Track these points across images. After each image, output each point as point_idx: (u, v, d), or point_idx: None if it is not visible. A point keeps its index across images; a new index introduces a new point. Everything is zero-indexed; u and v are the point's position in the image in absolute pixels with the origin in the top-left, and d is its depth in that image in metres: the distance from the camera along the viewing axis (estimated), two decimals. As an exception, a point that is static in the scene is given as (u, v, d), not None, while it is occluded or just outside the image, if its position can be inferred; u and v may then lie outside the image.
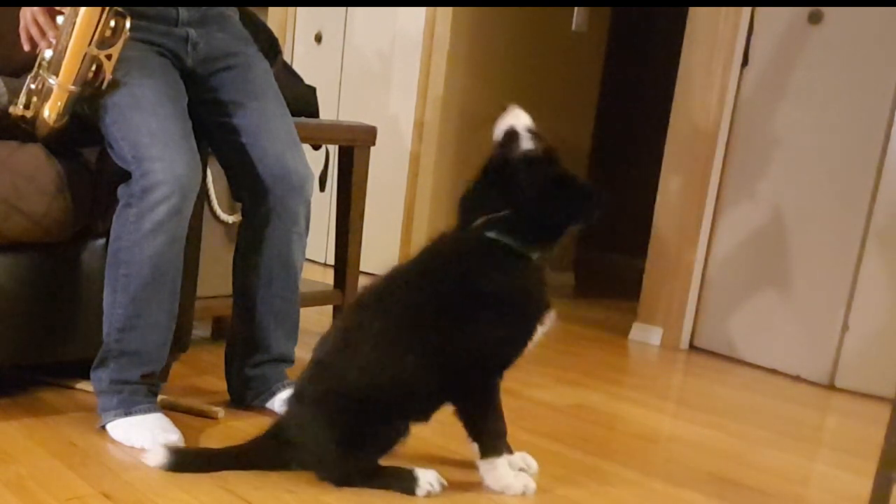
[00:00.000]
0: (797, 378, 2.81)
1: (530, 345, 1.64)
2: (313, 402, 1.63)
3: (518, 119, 1.65)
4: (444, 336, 1.58)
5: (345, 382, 1.60)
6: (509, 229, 1.59)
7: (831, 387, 2.74)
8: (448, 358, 1.58)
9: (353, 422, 1.58)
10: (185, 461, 1.65)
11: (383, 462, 1.64)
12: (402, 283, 1.66)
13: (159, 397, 1.88)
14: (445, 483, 1.64)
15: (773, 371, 2.88)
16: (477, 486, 1.68)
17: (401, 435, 1.62)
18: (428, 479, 1.62)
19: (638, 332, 3.21)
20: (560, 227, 1.62)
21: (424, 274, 1.65)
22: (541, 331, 1.64)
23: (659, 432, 2.24)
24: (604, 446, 2.04)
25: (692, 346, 3.13)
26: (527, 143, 1.63)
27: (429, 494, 1.60)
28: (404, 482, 1.61)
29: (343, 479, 1.62)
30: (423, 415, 1.66)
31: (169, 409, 1.90)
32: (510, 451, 1.75)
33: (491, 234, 1.59)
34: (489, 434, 1.65)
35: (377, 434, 1.60)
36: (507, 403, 2.28)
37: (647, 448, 2.09)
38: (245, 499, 1.55)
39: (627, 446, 2.08)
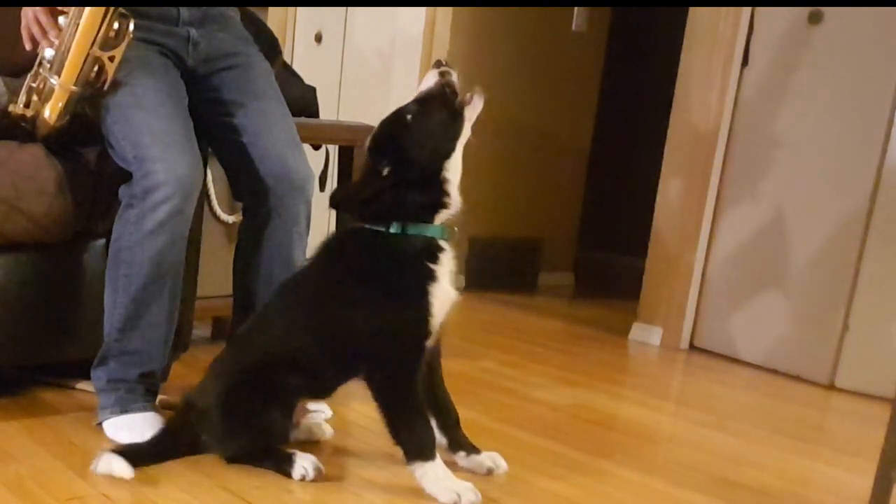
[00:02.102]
0: (797, 378, 2.81)
1: (432, 323, 1.59)
2: (214, 376, 1.71)
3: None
4: (332, 319, 1.64)
5: (244, 358, 1.69)
6: (368, 215, 1.63)
7: (831, 387, 2.73)
8: (341, 342, 1.63)
9: (241, 399, 1.65)
10: (137, 457, 1.63)
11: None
12: (304, 271, 1.77)
13: (159, 397, 1.89)
14: (322, 469, 1.64)
15: (773, 371, 2.88)
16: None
17: (284, 424, 1.68)
18: (303, 463, 1.63)
19: (638, 331, 3.21)
20: (393, 199, 1.60)
21: (315, 263, 1.74)
22: (438, 306, 1.59)
23: (659, 432, 2.24)
24: (604, 446, 2.04)
25: (692, 346, 3.12)
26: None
27: (302, 478, 1.62)
28: (282, 464, 1.65)
29: (232, 456, 1.67)
30: (321, 392, 1.75)
31: (169, 409, 1.90)
32: (476, 451, 1.76)
33: (356, 223, 1.65)
34: (408, 436, 1.60)
35: (260, 415, 1.65)
36: (507, 403, 2.30)
37: (647, 448, 2.09)
38: (245, 499, 1.55)
39: (627, 446, 2.08)
